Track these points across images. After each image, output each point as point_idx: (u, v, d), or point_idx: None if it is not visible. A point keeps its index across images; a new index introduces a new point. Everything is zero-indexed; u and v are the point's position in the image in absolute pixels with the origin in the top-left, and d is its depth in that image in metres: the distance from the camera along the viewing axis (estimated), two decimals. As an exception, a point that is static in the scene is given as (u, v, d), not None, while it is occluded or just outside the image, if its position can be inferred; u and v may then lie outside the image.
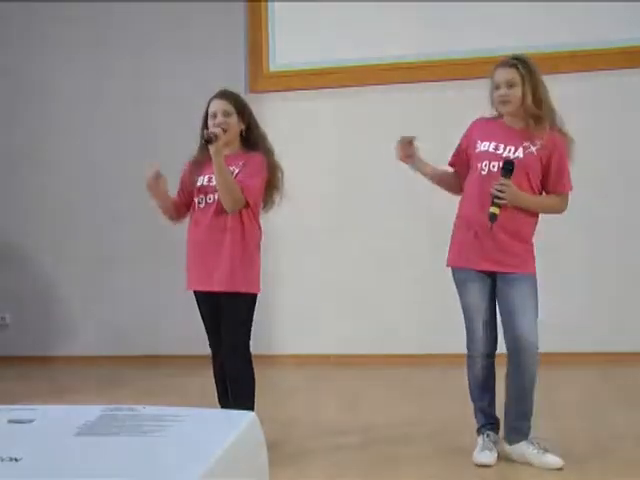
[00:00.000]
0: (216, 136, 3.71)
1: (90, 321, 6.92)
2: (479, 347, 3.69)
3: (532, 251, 3.69)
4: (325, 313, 6.46)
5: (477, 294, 3.68)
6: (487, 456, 3.63)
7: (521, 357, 3.59)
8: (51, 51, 6.98)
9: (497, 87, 3.64)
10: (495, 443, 3.70)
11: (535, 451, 3.59)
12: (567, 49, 6.11)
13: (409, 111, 6.36)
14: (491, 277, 3.67)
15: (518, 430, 3.65)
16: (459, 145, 3.85)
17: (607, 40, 6.09)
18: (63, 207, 6.98)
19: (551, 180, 3.65)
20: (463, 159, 3.80)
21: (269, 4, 6.66)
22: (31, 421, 1.61)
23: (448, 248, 3.80)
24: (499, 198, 3.51)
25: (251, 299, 3.87)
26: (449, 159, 3.89)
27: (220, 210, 3.79)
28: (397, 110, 6.39)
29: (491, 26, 6.24)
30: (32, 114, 7.04)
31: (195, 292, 3.94)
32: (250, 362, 3.87)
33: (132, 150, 6.82)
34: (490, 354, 3.72)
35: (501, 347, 3.69)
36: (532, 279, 3.65)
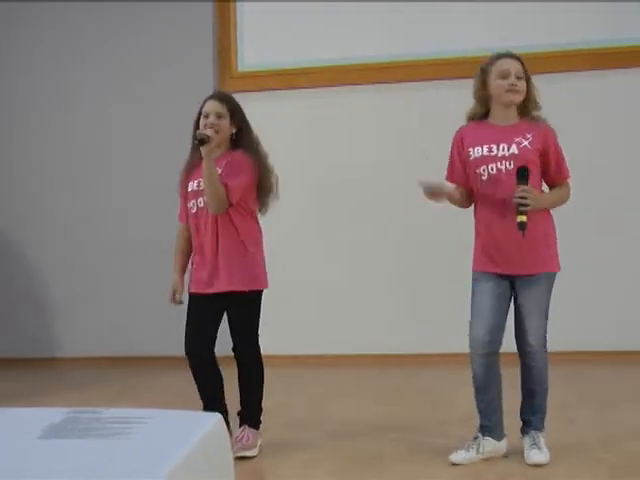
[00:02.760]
0: (208, 137, 3.72)
1: (72, 323, 6.87)
2: (476, 348, 3.66)
3: (555, 247, 3.68)
4: (295, 314, 6.46)
5: (485, 292, 3.64)
6: (458, 456, 3.63)
7: (529, 358, 3.64)
8: (15, 52, 6.94)
9: (504, 77, 3.58)
10: (480, 447, 3.67)
11: (527, 445, 3.62)
12: (543, 50, 6.15)
13: (380, 112, 6.39)
14: (509, 279, 3.65)
15: (527, 423, 3.69)
16: (451, 160, 3.78)
17: (585, 41, 6.15)
18: (44, 208, 6.93)
19: (552, 170, 3.65)
20: (460, 171, 3.74)
21: (238, 4, 6.66)
22: (-7, 424, 1.60)
23: (472, 254, 3.75)
24: (523, 205, 3.48)
25: (256, 296, 3.93)
26: (446, 176, 3.82)
27: (209, 213, 3.82)
28: (367, 111, 6.41)
29: (465, 26, 6.26)
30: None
31: (193, 295, 3.94)
32: (261, 358, 3.97)
33: (108, 150, 6.79)
34: (489, 353, 3.65)
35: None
36: (550, 278, 3.64)
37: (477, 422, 3.73)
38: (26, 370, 6.56)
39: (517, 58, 3.64)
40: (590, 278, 6.10)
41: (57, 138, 6.91)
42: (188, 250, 4.04)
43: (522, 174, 3.51)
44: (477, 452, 3.66)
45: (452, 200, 3.77)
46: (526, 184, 3.51)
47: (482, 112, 3.71)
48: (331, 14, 6.48)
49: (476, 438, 3.70)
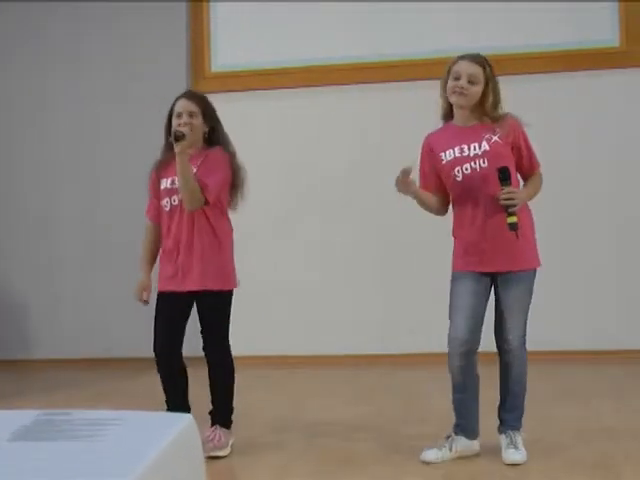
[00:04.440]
0: (183, 135, 3.71)
1: (42, 325, 6.82)
2: (455, 347, 3.66)
3: (534, 243, 3.71)
4: (270, 315, 6.46)
5: (464, 290, 3.64)
6: (430, 454, 3.64)
7: (508, 356, 3.65)
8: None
9: (457, 78, 3.60)
10: (454, 445, 3.68)
11: (504, 444, 3.63)
12: (521, 51, 6.18)
13: (356, 112, 6.40)
14: (490, 277, 3.67)
15: (503, 422, 3.70)
16: (421, 168, 3.78)
17: (547, 43, 6.19)
18: (18, 208, 6.88)
19: (525, 161, 3.67)
20: (432, 179, 3.75)
21: (211, 4, 6.64)
22: (-37, 427, 1.58)
23: (452, 254, 3.76)
24: (511, 206, 3.51)
25: (228, 295, 3.93)
26: (420, 184, 3.79)
27: (185, 211, 3.81)
28: (343, 111, 6.42)
29: (445, 27, 6.27)
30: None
31: (163, 293, 3.92)
32: (232, 358, 3.96)
33: (79, 149, 6.75)
34: (467, 351, 3.65)
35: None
36: (531, 276, 3.66)
37: (453, 420, 3.75)
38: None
39: (479, 61, 3.63)
40: (566, 278, 6.13)
41: (32, 138, 6.86)
42: (156, 249, 4.02)
43: (504, 175, 3.53)
44: (450, 450, 3.68)
45: (422, 201, 3.76)
46: (509, 184, 3.53)
47: (449, 110, 3.73)
48: (305, 14, 6.48)
49: (449, 437, 3.71)
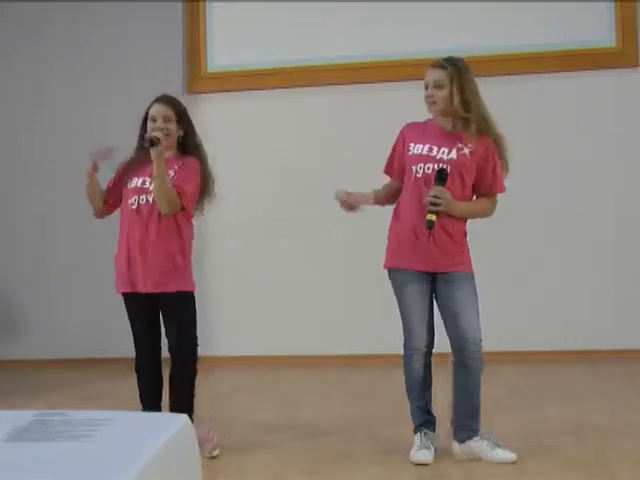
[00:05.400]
0: (158, 140, 3.73)
1: (36, 325, 6.80)
2: (417, 345, 3.70)
3: (468, 251, 3.73)
4: (265, 315, 6.45)
5: (416, 294, 3.69)
6: (424, 455, 3.64)
7: (466, 356, 3.63)
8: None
9: (425, 87, 3.67)
10: (432, 441, 3.71)
11: (487, 446, 3.62)
12: (506, 52, 6.18)
13: (354, 112, 6.40)
14: (430, 276, 3.70)
15: (467, 427, 3.67)
16: (392, 151, 3.85)
17: (543, 43, 6.19)
18: (8, 210, 6.87)
19: (485, 183, 3.69)
20: (399, 165, 3.80)
21: (207, 4, 6.64)
22: (-42, 427, 1.58)
23: (385, 250, 3.81)
24: (435, 205, 3.54)
25: (193, 297, 3.93)
26: (384, 167, 3.89)
27: (155, 212, 3.81)
28: (336, 111, 6.42)
29: (435, 28, 6.28)
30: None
31: (127, 295, 3.92)
32: (196, 361, 3.93)
33: (74, 151, 6.73)
34: (428, 352, 3.73)
35: (444, 346, 3.71)
36: (472, 278, 3.69)
37: (414, 421, 3.76)
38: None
39: (439, 65, 3.67)
40: (565, 278, 6.14)
41: (28, 138, 6.84)
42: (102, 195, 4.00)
43: (440, 176, 3.59)
44: (432, 446, 3.70)
45: (380, 201, 3.90)
46: (443, 186, 3.57)
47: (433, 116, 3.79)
48: (301, 15, 6.48)
49: (426, 434, 3.72)
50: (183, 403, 3.77)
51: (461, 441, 3.68)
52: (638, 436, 3.97)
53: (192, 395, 3.91)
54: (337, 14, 6.41)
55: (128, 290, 3.91)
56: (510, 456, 3.58)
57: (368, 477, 3.54)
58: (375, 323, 6.27)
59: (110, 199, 4.02)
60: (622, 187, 6.13)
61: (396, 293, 3.78)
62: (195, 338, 3.93)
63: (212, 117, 6.03)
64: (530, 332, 5.91)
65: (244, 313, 6.46)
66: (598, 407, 4.61)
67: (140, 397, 3.99)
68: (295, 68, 6.44)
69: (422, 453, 3.65)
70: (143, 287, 3.85)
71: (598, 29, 6.17)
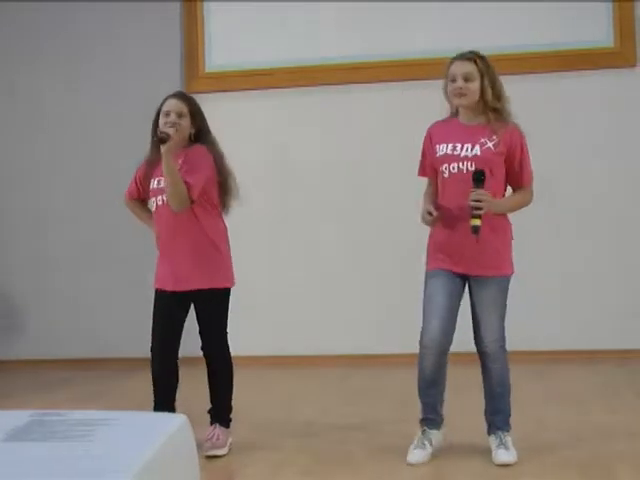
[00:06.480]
0: (168, 135, 3.70)
1: (34, 324, 6.79)
2: (425, 342, 3.67)
3: (510, 252, 3.70)
4: (262, 316, 6.45)
5: (439, 290, 3.64)
6: (417, 455, 3.65)
7: (488, 359, 3.67)
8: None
9: (453, 80, 3.62)
10: (432, 440, 3.71)
11: (493, 445, 3.63)
12: (506, 52, 6.17)
13: (348, 112, 6.40)
14: (463, 278, 3.67)
15: (491, 423, 3.71)
16: (422, 156, 3.83)
17: (542, 43, 6.19)
18: (7, 208, 6.85)
19: (515, 174, 3.67)
20: (430, 166, 3.77)
21: (205, 4, 6.62)
22: (-44, 427, 1.57)
23: (426, 251, 3.77)
24: (477, 209, 3.49)
25: (224, 294, 3.92)
26: (418, 171, 3.86)
27: (172, 210, 3.79)
28: (336, 111, 6.42)
29: (432, 28, 6.27)
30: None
31: (159, 291, 3.93)
32: (230, 356, 3.99)
33: (72, 149, 6.74)
34: (442, 352, 3.67)
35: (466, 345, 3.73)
36: (505, 281, 3.66)
37: (420, 413, 3.75)
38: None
39: (469, 58, 3.64)
40: (564, 278, 6.14)
41: (27, 137, 6.84)
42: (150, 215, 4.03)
43: (478, 177, 3.53)
44: (430, 446, 3.70)
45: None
46: (482, 187, 3.52)
47: (456, 110, 3.76)
48: (300, 14, 6.47)
49: (424, 432, 3.72)
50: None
51: (488, 434, 3.72)
52: (637, 437, 3.97)
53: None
54: (336, 13, 6.41)
55: (159, 287, 3.93)
56: (509, 458, 3.58)
57: (368, 477, 3.54)
58: (375, 323, 6.28)
59: (138, 194, 4.08)
60: (621, 187, 6.13)
61: (424, 287, 3.73)
62: (226, 336, 3.97)
63: (210, 117, 5.99)
64: (530, 332, 5.90)
65: (244, 313, 6.44)
66: (597, 407, 4.60)
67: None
68: (294, 68, 6.43)
69: (415, 454, 3.67)
70: (173, 286, 3.86)
71: (596, 29, 6.16)
